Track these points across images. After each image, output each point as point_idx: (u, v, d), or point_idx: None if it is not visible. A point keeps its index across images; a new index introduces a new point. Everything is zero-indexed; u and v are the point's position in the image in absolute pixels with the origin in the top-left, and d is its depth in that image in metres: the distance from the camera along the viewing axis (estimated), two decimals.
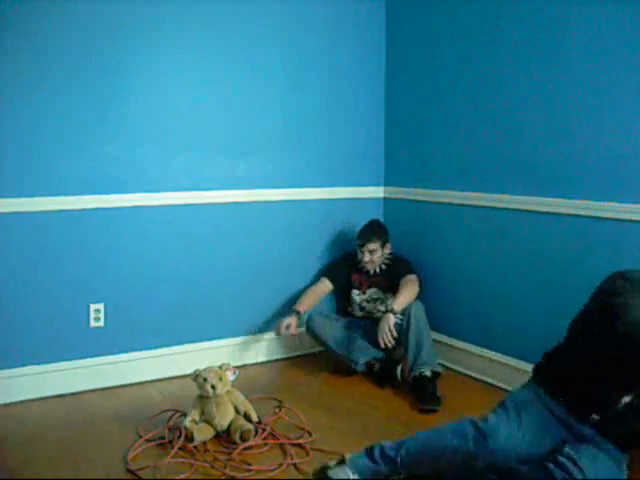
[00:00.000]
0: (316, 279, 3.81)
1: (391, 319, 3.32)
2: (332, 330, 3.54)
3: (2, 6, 2.96)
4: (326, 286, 3.71)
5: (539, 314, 3.14)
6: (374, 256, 3.60)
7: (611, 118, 2.81)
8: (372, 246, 3.60)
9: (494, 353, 3.40)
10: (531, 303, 3.19)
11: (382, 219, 4.02)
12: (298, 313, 3.52)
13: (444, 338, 3.69)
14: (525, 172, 3.17)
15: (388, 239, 3.68)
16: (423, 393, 3.13)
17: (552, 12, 3.00)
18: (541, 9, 3.05)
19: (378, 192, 4.07)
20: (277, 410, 2.96)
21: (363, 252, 3.61)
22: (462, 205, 3.52)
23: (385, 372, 3.38)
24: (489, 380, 3.40)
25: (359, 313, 3.70)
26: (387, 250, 3.67)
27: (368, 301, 3.68)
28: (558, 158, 3.01)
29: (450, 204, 3.60)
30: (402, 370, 3.34)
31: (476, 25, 3.39)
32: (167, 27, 3.33)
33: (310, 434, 2.73)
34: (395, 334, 3.31)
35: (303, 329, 3.60)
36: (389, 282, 3.62)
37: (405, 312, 3.35)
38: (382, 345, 3.33)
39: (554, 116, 3.03)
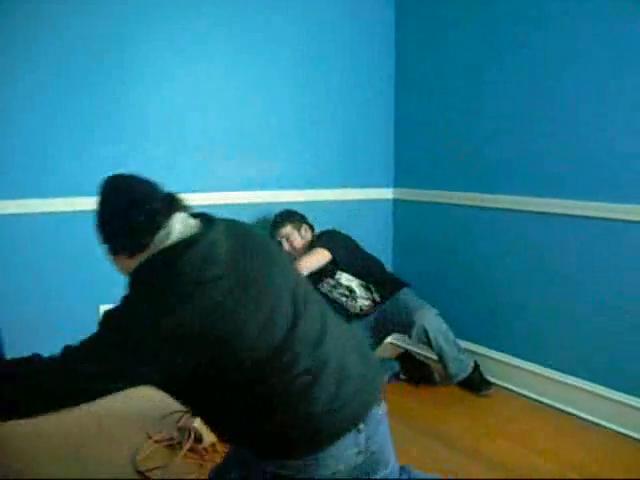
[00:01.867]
0: None
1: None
2: None
3: (5, 6, 2.97)
4: None
5: (555, 317, 3.12)
6: (293, 242, 3.41)
7: (626, 119, 2.79)
8: (284, 231, 3.41)
9: (501, 354, 3.39)
10: (543, 306, 3.17)
11: (392, 221, 4.01)
12: None
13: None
14: (539, 174, 3.15)
15: (304, 221, 3.48)
16: (473, 386, 3.27)
17: (561, 14, 2.99)
18: (553, 11, 3.03)
19: (388, 193, 4.05)
20: None
21: (280, 242, 3.40)
22: (473, 207, 3.50)
23: (421, 377, 3.39)
24: (507, 385, 3.38)
25: (340, 311, 3.47)
26: (307, 233, 3.46)
27: (332, 292, 3.46)
28: (573, 159, 2.99)
29: (461, 206, 3.58)
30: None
31: (487, 24, 3.38)
32: (176, 26, 3.33)
33: None
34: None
35: None
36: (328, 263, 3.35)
37: (421, 326, 3.23)
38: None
39: (569, 117, 3.00)
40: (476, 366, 3.32)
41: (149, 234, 1.64)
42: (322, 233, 3.46)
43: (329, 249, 3.32)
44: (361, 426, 1.68)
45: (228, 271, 1.61)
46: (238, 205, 3.57)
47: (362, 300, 3.42)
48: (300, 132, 3.75)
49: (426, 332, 3.21)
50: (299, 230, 3.46)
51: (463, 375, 3.28)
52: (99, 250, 3.37)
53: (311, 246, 3.38)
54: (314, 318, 1.72)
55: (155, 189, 1.74)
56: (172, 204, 1.70)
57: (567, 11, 2.97)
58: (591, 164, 2.92)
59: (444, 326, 3.28)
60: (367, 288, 3.43)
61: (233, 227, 1.78)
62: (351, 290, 3.43)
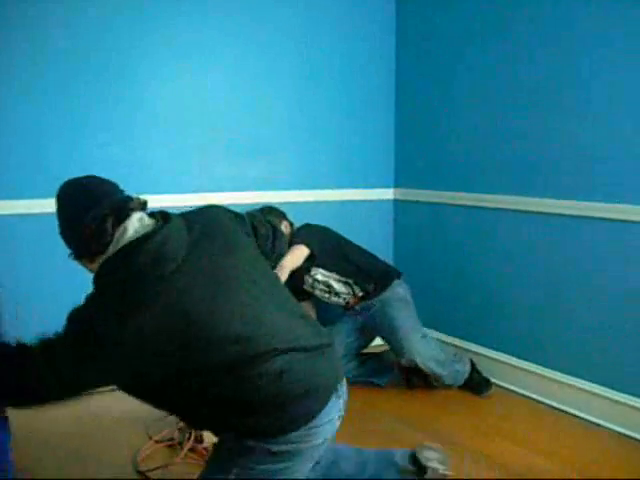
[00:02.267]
0: None
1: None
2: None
3: (7, 7, 2.98)
4: (307, 305, 3.54)
5: (555, 317, 3.13)
6: None
7: (627, 119, 2.79)
8: None
9: (501, 354, 3.39)
10: (544, 306, 3.17)
11: (392, 221, 4.01)
12: None
13: (451, 339, 3.68)
14: (539, 174, 3.15)
15: (285, 217, 3.39)
16: (474, 387, 3.27)
17: (563, 13, 2.99)
18: (553, 9, 3.04)
19: (388, 194, 4.06)
20: None
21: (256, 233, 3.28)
22: (474, 207, 3.51)
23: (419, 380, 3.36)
24: (497, 382, 3.38)
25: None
26: (286, 229, 3.32)
27: (314, 290, 3.41)
28: (573, 160, 2.99)
29: (461, 206, 3.58)
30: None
31: (488, 24, 3.38)
32: (177, 27, 3.34)
33: None
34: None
35: None
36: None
37: (409, 359, 3.19)
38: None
39: (570, 117, 3.00)
40: (473, 367, 3.31)
41: (104, 237, 1.70)
42: (299, 228, 3.39)
43: (306, 244, 3.26)
44: (340, 392, 1.85)
45: (184, 265, 1.66)
46: (237, 206, 3.57)
47: (343, 295, 3.35)
48: (300, 133, 3.75)
49: (416, 362, 3.18)
50: (279, 225, 3.24)
51: (460, 382, 3.29)
52: None
53: (290, 243, 3.28)
54: (279, 303, 1.84)
55: (112, 191, 1.80)
56: (127, 205, 1.74)
57: (568, 12, 2.97)
58: (591, 164, 2.92)
59: (431, 350, 3.22)
60: (346, 283, 3.34)
61: (193, 220, 1.81)
62: (329, 286, 3.36)
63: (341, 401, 1.87)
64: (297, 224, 3.76)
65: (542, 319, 3.18)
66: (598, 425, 2.91)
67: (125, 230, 1.70)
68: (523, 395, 3.26)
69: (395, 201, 4.06)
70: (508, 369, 3.35)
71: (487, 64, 3.39)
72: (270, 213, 3.30)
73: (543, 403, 3.16)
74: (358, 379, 3.33)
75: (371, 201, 4.00)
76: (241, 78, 3.55)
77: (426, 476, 2.21)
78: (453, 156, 3.64)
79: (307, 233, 3.36)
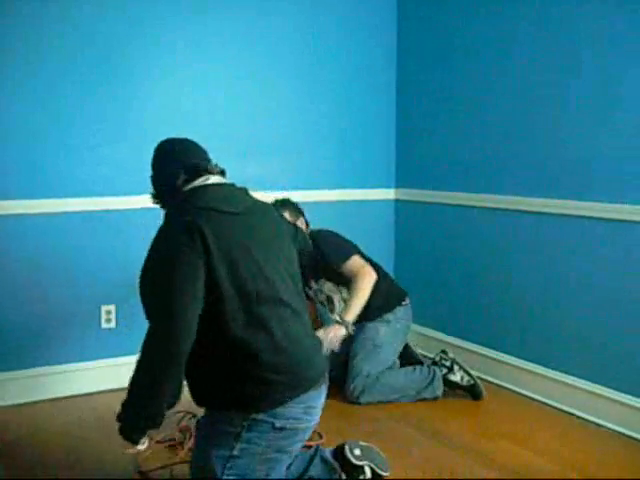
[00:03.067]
0: None
1: (341, 332, 2.92)
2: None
3: (8, 7, 2.99)
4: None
5: (555, 318, 3.13)
6: None
7: (627, 120, 2.79)
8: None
9: (501, 354, 3.40)
10: (544, 306, 3.18)
11: (393, 221, 4.02)
12: None
13: (451, 339, 3.68)
14: (541, 174, 3.16)
15: (302, 214, 3.28)
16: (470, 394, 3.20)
17: (565, 13, 2.99)
18: (553, 14, 3.04)
19: (389, 194, 4.06)
20: None
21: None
22: (474, 207, 3.51)
23: None
24: (498, 382, 3.39)
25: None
26: (302, 226, 3.17)
27: (318, 296, 3.34)
28: (574, 160, 3.00)
29: (463, 206, 3.58)
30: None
31: (488, 27, 3.39)
32: (177, 27, 3.35)
33: (320, 436, 2.72)
34: (337, 348, 2.91)
35: None
36: (314, 264, 3.04)
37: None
38: (323, 351, 2.84)
39: (570, 117, 3.01)
40: (449, 383, 3.19)
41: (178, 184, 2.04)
42: (327, 235, 3.20)
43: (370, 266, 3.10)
44: (323, 386, 2.08)
45: (243, 216, 2.00)
46: None
47: (337, 316, 3.07)
48: (302, 133, 3.75)
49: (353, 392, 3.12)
50: (296, 221, 3.13)
51: (438, 393, 3.18)
52: (100, 251, 3.41)
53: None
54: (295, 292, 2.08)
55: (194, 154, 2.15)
56: (200, 167, 2.08)
57: (569, 13, 2.97)
58: (591, 165, 2.92)
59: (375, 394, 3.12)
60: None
61: (258, 202, 2.17)
62: (330, 301, 3.28)
63: (323, 395, 2.10)
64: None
65: (542, 319, 3.18)
66: (598, 425, 2.92)
67: (208, 177, 2.06)
68: (523, 395, 3.26)
69: (396, 201, 4.06)
70: (508, 369, 3.35)
71: (488, 65, 3.39)
72: (285, 207, 3.16)
73: (543, 403, 3.16)
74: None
75: (372, 201, 4.01)
76: (242, 78, 3.55)
77: (362, 477, 2.26)
78: (454, 157, 3.64)
79: (337, 243, 3.19)
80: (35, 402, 3.13)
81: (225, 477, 1.93)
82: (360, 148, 3.94)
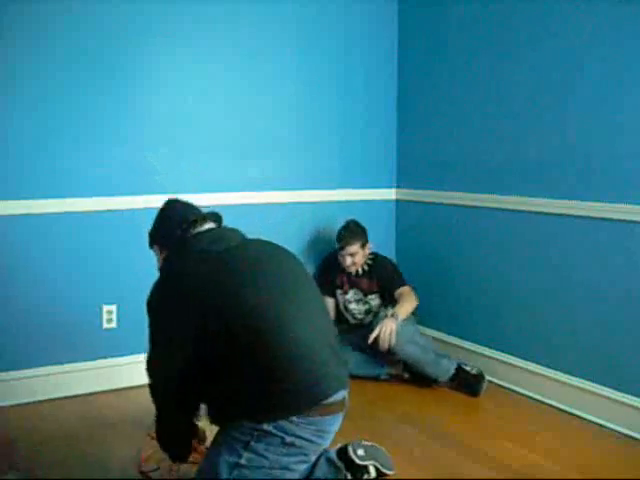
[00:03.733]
0: None
1: (394, 324, 3.24)
2: None
3: (13, 8, 2.99)
4: (330, 303, 3.64)
5: (555, 317, 3.13)
6: (355, 258, 3.52)
7: (628, 120, 2.80)
8: (352, 249, 3.51)
9: (503, 354, 3.40)
10: (544, 306, 3.18)
11: (394, 221, 4.02)
12: None
13: (451, 338, 3.69)
14: (541, 174, 3.16)
15: (367, 239, 3.59)
16: (467, 387, 3.26)
17: (563, 15, 3.00)
18: (555, 13, 3.04)
19: (390, 194, 4.06)
20: None
21: (344, 256, 3.53)
22: (475, 207, 3.51)
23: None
24: (499, 382, 3.40)
25: (347, 315, 3.66)
26: (367, 250, 3.59)
27: (349, 302, 3.63)
28: (575, 160, 3.00)
29: (464, 206, 3.59)
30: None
31: (489, 28, 3.39)
32: (179, 29, 3.35)
33: None
34: (394, 341, 3.23)
35: None
36: (370, 283, 3.58)
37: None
38: (381, 348, 3.26)
39: (571, 118, 3.01)
40: (460, 368, 3.30)
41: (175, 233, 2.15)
42: (380, 259, 3.63)
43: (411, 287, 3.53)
44: (339, 413, 2.04)
45: (235, 251, 2.06)
46: (239, 206, 3.58)
47: (389, 310, 3.41)
48: (304, 134, 3.76)
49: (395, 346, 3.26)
50: (363, 248, 3.56)
51: (443, 377, 3.27)
52: (101, 251, 3.42)
53: (370, 264, 3.60)
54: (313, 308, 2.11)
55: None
56: (207, 216, 2.23)
57: (571, 14, 2.97)
58: (591, 165, 2.92)
59: (410, 333, 3.30)
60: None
61: (263, 242, 2.22)
62: (375, 315, 3.51)
63: (340, 421, 2.06)
64: (300, 224, 3.78)
65: (543, 319, 3.18)
66: (599, 425, 2.92)
67: (201, 225, 2.16)
68: (524, 395, 3.27)
69: (397, 201, 4.07)
70: (509, 369, 3.35)
71: (488, 66, 3.40)
72: (358, 235, 3.56)
73: (543, 403, 3.16)
74: (357, 372, 3.35)
75: (373, 201, 4.01)
76: (243, 79, 3.56)
77: (367, 476, 2.30)
78: (454, 157, 3.64)
79: (394, 267, 3.66)
80: (35, 402, 3.13)
81: None
82: (361, 148, 3.95)
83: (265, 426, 1.92)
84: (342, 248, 3.53)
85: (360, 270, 3.59)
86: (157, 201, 3.34)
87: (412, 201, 3.96)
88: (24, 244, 3.11)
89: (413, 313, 3.45)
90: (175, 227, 2.15)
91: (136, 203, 3.30)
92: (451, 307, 3.63)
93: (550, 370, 3.15)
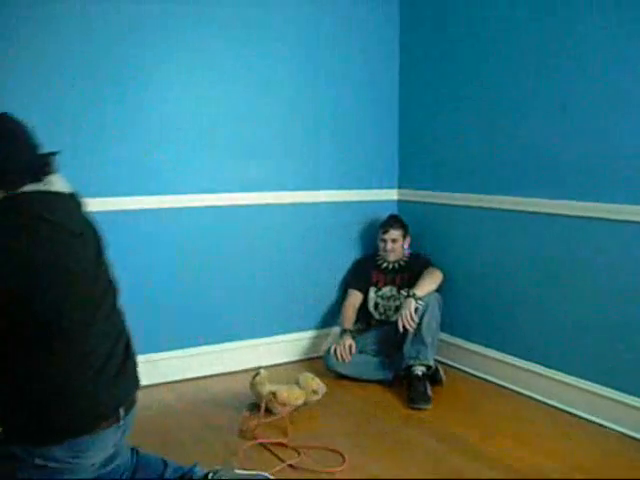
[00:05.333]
0: (329, 282, 3.88)
1: (412, 304, 3.31)
2: (350, 363, 3.47)
3: (19, 9, 3.01)
4: (358, 297, 3.73)
5: (556, 317, 3.14)
6: (396, 244, 3.67)
7: (628, 120, 2.80)
8: (395, 234, 3.68)
9: (503, 354, 3.41)
10: (544, 307, 3.18)
11: None
12: (350, 331, 3.58)
13: (452, 339, 3.71)
14: (543, 174, 3.16)
15: (409, 232, 3.76)
16: (415, 391, 3.19)
17: (566, 15, 3.00)
18: (557, 15, 3.05)
19: (392, 194, 4.07)
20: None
21: (386, 240, 3.67)
22: (475, 208, 3.52)
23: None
24: (500, 382, 3.41)
25: (374, 312, 3.70)
26: (407, 244, 3.74)
27: (382, 298, 3.69)
28: (576, 160, 3.00)
29: (465, 207, 3.59)
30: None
31: (491, 28, 3.39)
32: (183, 31, 3.36)
33: (343, 457, 2.64)
34: (417, 319, 3.29)
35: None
36: (406, 280, 3.64)
37: (425, 303, 3.35)
38: (401, 329, 3.30)
39: (573, 118, 3.01)
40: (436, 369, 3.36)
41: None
42: (417, 255, 3.75)
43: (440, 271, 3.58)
44: (121, 422, 1.89)
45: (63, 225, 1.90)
46: (241, 206, 3.59)
47: (406, 291, 3.50)
48: (305, 135, 3.77)
49: (424, 313, 3.32)
50: (405, 238, 3.74)
51: (427, 362, 3.27)
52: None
53: (407, 261, 3.71)
54: (109, 310, 2.00)
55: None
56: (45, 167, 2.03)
57: (573, 14, 2.97)
58: (592, 165, 2.93)
59: (439, 318, 3.39)
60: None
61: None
62: (398, 306, 3.60)
63: (120, 432, 1.92)
64: (300, 224, 3.79)
65: (544, 319, 3.19)
66: (601, 425, 2.92)
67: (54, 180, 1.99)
68: (524, 395, 3.27)
69: (398, 202, 4.07)
70: (509, 369, 3.36)
71: (491, 66, 3.40)
72: (403, 225, 3.76)
73: (544, 403, 3.17)
74: (363, 376, 3.41)
75: (375, 202, 4.02)
76: (244, 79, 3.56)
77: None
78: (455, 158, 3.65)
79: (428, 257, 3.73)
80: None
81: None
82: (363, 149, 3.95)
83: (16, 450, 1.78)
84: (386, 232, 3.69)
85: (397, 265, 3.69)
86: (158, 202, 3.39)
87: (414, 202, 3.96)
88: None
89: (437, 290, 3.48)
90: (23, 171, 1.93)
91: (139, 203, 3.30)
92: (451, 307, 3.63)
93: (550, 370, 3.15)
